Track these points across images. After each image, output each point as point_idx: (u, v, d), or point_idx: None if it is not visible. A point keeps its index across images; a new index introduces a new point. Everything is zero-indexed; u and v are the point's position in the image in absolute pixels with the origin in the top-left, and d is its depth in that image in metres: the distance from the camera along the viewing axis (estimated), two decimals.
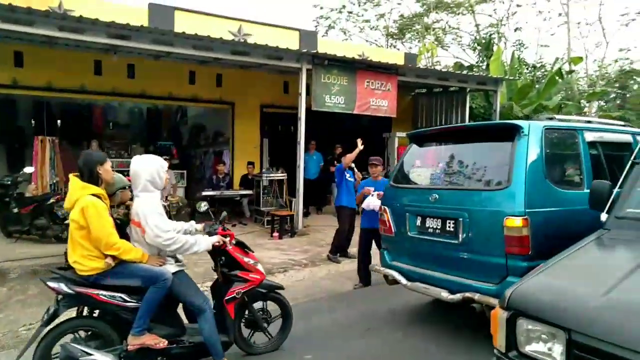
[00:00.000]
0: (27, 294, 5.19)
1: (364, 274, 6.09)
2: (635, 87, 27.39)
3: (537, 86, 14.75)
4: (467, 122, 12.42)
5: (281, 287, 4.12)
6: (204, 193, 9.75)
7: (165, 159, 10.16)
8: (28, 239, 7.60)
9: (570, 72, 17.15)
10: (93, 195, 3.18)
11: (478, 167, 4.12)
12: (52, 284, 3.15)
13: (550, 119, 4.38)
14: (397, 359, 3.93)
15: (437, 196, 4.10)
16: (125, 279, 3.23)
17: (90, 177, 3.25)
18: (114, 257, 3.17)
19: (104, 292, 3.17)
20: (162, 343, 3.29)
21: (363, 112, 9.99)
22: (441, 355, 3.97)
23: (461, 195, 3.96)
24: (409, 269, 4.35)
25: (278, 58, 8.86)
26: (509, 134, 3.77)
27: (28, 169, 8.29)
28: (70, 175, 3.33)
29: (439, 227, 4.02)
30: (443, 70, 13.14)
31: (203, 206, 4.15)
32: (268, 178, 10.02)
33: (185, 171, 11.56)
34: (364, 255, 6.09)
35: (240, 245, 3.87)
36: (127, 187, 3.74)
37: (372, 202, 5.72)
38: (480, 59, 17.33)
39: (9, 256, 6.53)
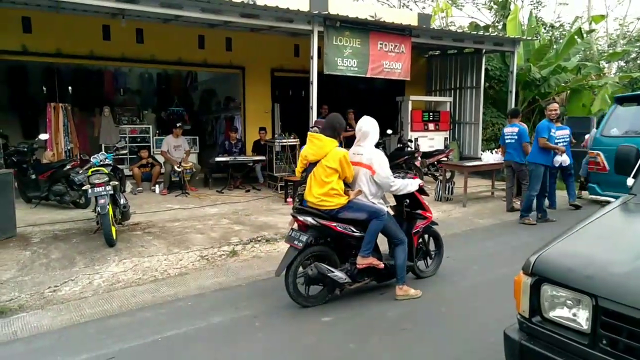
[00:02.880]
0: (50, 257, 5.30)
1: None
2: None
3: (555, 47, 14.29)
4: (482, 84, 12.16)
5: (436, 223, 5.04)
6: (217, 159, 9.75)
7: (178, 126, 10.11)
8: (47, 204, 7.72)
9: (590, 31, 16.56)
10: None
11: None
12: (301, 217, 4.13)
13: None
14: (409, 322, 3.98)
15: None
16: (356, 212, 4.16)
17: (337, 136, 4.29)
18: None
19: (339, 224, 4.12)
20: (381, 264, 4.29)
21: (376, 75, 9.80)
22: (453, 316, 4.02)
23: None
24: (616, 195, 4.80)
25: (289, 20, 8.64)
26: None
27: (43, 136, 8.32)
28: (313, 133, 4.32)
29: None
30: (458, 31, 12.75)
31: None
32: (280, 144, 9.97)
33: (197, 137, 11.54)
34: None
35: (420, 190, 4.62)
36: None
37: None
38: (497, 18, 16.77)
39: (30, 221, 6.64)
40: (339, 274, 4.12)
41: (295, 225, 4.27)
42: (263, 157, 10.15)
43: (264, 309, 4.23)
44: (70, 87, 11.60)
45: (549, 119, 7.51)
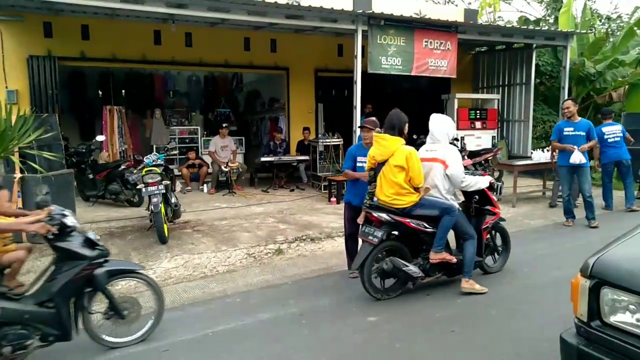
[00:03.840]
0: None
1: None
2: None
3: (611, 39, 13.58)
4: (532, 81, 11.73)
5: (504, 219, 5.12)
6: (262, 159, 9.93)
7: (224, 126, 10.35)
8: (103, 202, 8.11)
9: None
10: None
11: None
12: (375, 214, 4.27)
13: None
14: (459, 323, 3.90)
15: None
16: (428, 209, 4.29)
17: (401, 132, 4.33)
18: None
19: (412, 220, 4.26)
20: (454, 259, 4.39)
21: (421, 73, 9.64)
22: (502, 318, 3.91)
23: None
24: None
25: (333, 20, 8.67)
26: None
27: (99, 137, 8.76)
28: (378, 134, 4.41)
29: None
30: (507, 25, 12.35)
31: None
32: (324, 143, 10.02)
33: (243, 137, 11.78)
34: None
35: (489, 187, 4.74)
36: None
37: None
38: (548, 11, 16.13)
39: (88, 218, 6.99)
40: (413, 268, 4.29)
41: (361, 219, 4.41)
42: (307, 157, 10.23)
43: (310, 307, 4.28)
44: (123, 91, 12.14)
45: (565, 118, 7.17)
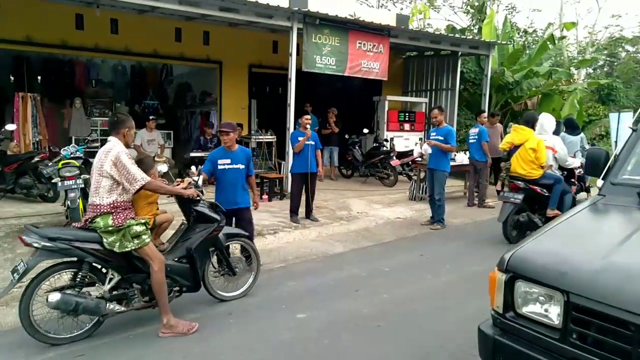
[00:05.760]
0: (16, 252, 5.13)
1: None
2: (623, 54, 27.40)
3: (527, 52, 14.64)
4: (457, 87, 12.36)
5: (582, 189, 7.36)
6: (191, 154, 9.61)
7: (152, 119, 9.92)
8: (12, 197, 7.44)
9: (562, 38, 17.04)
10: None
11: None
12: (515, 182, 6.22)
13: None
14: (384, 318, 4.02)
15: None
16: (547, 180, 6.14)
17: (533, 127, 6.30)
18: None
19: (537, 187, 6.15)
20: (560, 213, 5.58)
21: (354, 74, 9.83)
22: (428, 313, 4.08)
23: None
24: None
25: (268, 16, 8.58)
26: None
27: (9, 126, 8.01)
28: (517, 125, 6.55)
29: None
30: (436, 32, 12.91)
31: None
32: (257, 140, 9.90)
33: (172, 131, 11.34)
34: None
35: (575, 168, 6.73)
36: None
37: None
38: (473, 21, 17.08)
39: None
40: (538, 221, 6.11)
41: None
42: None
43: (238, 306, 4.22)
44: (39, 77, 11.22)
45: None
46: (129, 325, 3.75)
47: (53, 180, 5.94)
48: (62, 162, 5.86)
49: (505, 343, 2.19)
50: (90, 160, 7.70)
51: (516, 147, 6.29)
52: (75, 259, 3.46)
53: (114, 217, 3.43)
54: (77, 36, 9.23)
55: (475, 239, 6.76)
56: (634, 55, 27.37)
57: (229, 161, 4.81)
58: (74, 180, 5.54)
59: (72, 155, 6.14)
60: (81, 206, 5.57)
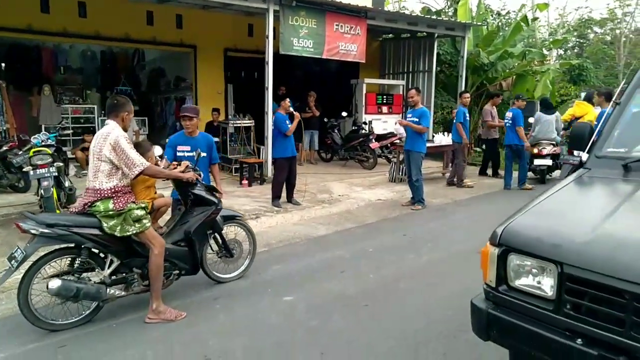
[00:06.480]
0: None
1: None
2: (592, 36, 27.99)
3: (501, 33, 14.74)
4: (434, 69, 12.39)
5: None
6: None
7: None
8: None
9: (535, 19, 17.20)
10: None
11: None
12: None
13: None
14: (371, 298, 4.02)
15: None
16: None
17: (591, 102, 7.51)
18: None
19: None
20: None
21: (332, 57, 9.72)
22: (414, 292, 4.11)
23: None
24: None
25: None
26: None
27: None
28: (578, 101, 7.91)
29: None
30: (413, 14, 12.87)
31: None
32: (234, 125, 9.74)
33: (146, 118, 11.06)
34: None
35: None
36: None
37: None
38: (448, 3, 17.08)
39: None
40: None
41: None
42: (216, 139, 9.86)
43: (224, 291, 4.17)
44: (4, 64, 10.73)
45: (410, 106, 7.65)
46: (114, 314, 3.66)
47: (24, 169, 5.72)
48: (33, 150, 5.63)
49: (499, 316, 2.20)
50: (63, 148, 7.49)
51: (576, 119, 7.48)
52: (73, 244, 3.39)
53: (115, 201, 3.38)
54: (44, 20, 8.86)
55: (456, 218, 6.84)
56: (602, 37, 27.99)
57: (188, 148, 4.53)
58: (46, 169, 5.34)
59: (43, 143, 5.90)
60: (55, 195, 5.38)
